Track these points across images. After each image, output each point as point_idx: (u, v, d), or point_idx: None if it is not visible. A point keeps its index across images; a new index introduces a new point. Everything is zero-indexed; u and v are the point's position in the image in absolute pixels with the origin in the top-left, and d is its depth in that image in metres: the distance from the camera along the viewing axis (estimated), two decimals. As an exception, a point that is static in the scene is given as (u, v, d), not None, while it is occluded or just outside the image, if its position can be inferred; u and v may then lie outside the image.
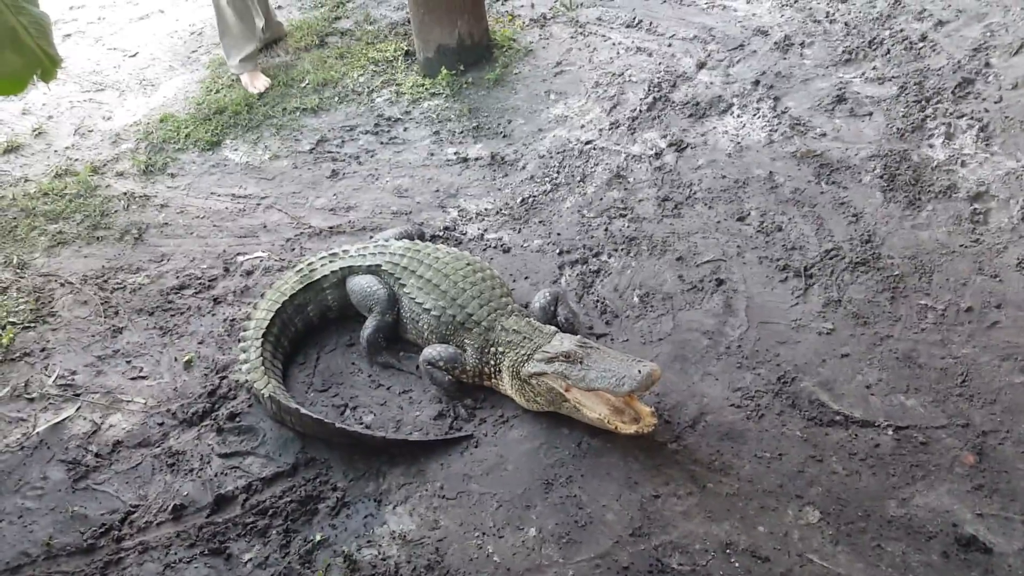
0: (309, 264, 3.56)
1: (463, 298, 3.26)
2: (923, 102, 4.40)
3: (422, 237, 3.84)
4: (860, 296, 3.49)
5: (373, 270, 3.48)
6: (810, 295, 3.53)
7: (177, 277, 3.91)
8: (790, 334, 3.37)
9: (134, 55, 5.60)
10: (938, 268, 3.56)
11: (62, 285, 3.90)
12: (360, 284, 3.47)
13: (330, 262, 3.55)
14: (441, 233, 4.01)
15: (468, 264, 3.39)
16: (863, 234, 3.76)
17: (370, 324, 3.42)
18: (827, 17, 5.15)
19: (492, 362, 3.18)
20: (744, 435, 3.01)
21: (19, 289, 3.89)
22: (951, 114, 4.29)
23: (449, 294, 3.28)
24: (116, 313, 3.76)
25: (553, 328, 3.21)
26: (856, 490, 2.80)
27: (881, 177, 4.02)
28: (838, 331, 3.36)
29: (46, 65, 2.17)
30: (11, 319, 3.74)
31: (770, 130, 4.39)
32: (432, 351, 3.25)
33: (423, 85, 5.03)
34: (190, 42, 5.76)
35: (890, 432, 2.97)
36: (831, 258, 3.67)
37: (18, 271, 4.00)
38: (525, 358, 3.08)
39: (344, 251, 3.59)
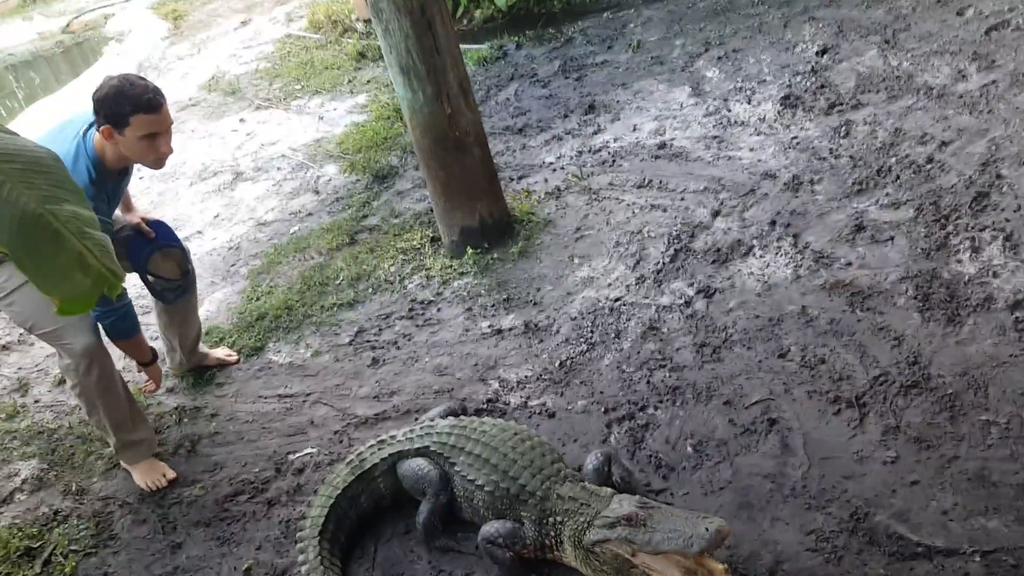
0: (359, 455, 3.58)
1: (514, 470, 3.23)
2: (942, 220, 4.46)
3: (466, 412, 3.86)
4: (918, 419, 3.41)
5: (422, 452, 3.48)
6: (867, 424, 3.46)
7: (231, 484, 3.93)
8: (854, 467, 3.28)
9: (177, 275, 5.89)
10: (992, 381, 3.49)
11: (120, 506, 3.93)
12: (411, 468, 3.46)
13: (379, 449, 3.57)
14: (485, 406, 4.03)
15: (516, 434, 3.38)
16: (908, 356, 3.72)
17: (424, 508, 3.38)
18: (831, 153, 5.33)
19: (552, 533, 3.10)
20: (825, 580, 2.88)
21: (79, 516, 3.93)
22: (973, 228, 4.34)
23: (500, 467, 3.25)
24: (174, 528, 3.76)
25: (610, 490, 3.15)
26: (956, 627, 2.63)
27: (915, 298, 4.02)
28: (903, 458, 3.26)
29: (111, 281, 2.32)
30: (72, 547, 3.75)
31: (795, 266, 4.45)
32: (490, 528, 3.18)
33: (451, 266, 5.21)
34: (228, 256, 6.07)
35: (977, 558, 2.82)
36: (881, 384, 3.62)
37: (77, 498, 4.05)
38: (586, 525, 3.00)
39: (391, 436, 3.61)
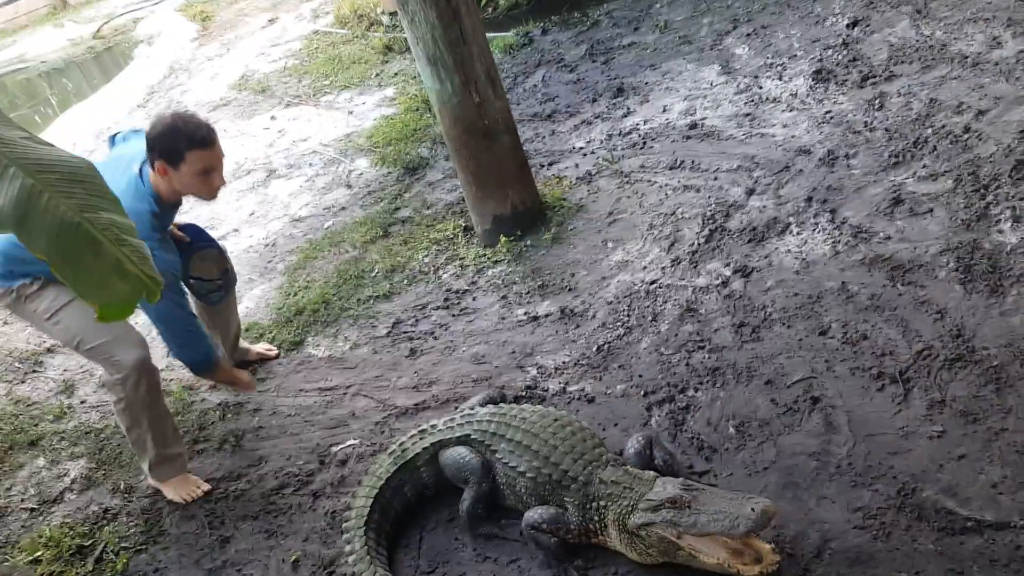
0: (401, 444, 3.61)
1: (556, 455, 3.23)
2: (982, 190, 4.37)
3: (504, 399, 3.87)
4: (964, 393, 3.36)
5: (463, 441, 3.50)
6: (911, 399, 3.41)
7: (276, 477, 3.98)
8: (900, 443, 3.23)
9: (215, 273, 5.97)
10: (1039, 351, 3.42)
11: (169, 503, 4.00)
12: (452, 457, 3.48)
13: (420, 439, 3.59)
14: (524, 393, 4.03)
15: (556, 420, 3.38)
16: (952, 329, 3.66)
17: (468, 496, 3.40)
18: (866, 127, 5.24)
19: (596, 518, 3.10)
20: (875, 557, 2.84)
21: (128, 513, 4.00)
22: (1014, 197, 4.25)
23: (541, 453, 3.25)
24: (222, 523, 3.82)
25: (652, 473, 3.14)
26: (1010, 601, 2.59)
27: (957, 270, 3.95)
28: (949, 432, 3.21)
29: (150, 287, 2.36)
30: (123, 544, 3.82)
31: (833, 242, 4.39)
32: (533, 515, 3.19)
33: (485, 255, 5.22)
34: (265, 254, 6.14)
35: (1031, 532, 2.77)
36: (924, 359, 3.57)
37: (126, 495, 4.13)
38: (629, 509, 3.00)
39: (432, 426, 3.63)
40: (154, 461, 3.96)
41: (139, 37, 12.93)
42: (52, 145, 2.66)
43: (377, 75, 8.71)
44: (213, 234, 4.51)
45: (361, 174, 6.83)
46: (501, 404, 3.67)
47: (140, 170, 3.71)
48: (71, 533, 3.94)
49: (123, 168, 3.75)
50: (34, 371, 5.40)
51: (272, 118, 8.51)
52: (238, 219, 6.72)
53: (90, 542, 3.89)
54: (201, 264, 4.33)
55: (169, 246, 3.79)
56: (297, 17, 11.51)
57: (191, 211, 6.45)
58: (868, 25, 6.38)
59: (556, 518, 3.15)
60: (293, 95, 8.91)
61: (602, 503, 3.08)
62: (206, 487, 4.02)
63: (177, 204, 3.96)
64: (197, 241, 4.34)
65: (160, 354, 5.15)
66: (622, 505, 3.02)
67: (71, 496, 4.24)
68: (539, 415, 3.42)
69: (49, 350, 5.58)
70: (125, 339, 3.76)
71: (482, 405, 3.72)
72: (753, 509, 2.72)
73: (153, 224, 3.61)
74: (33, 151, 2.54)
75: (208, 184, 3.74)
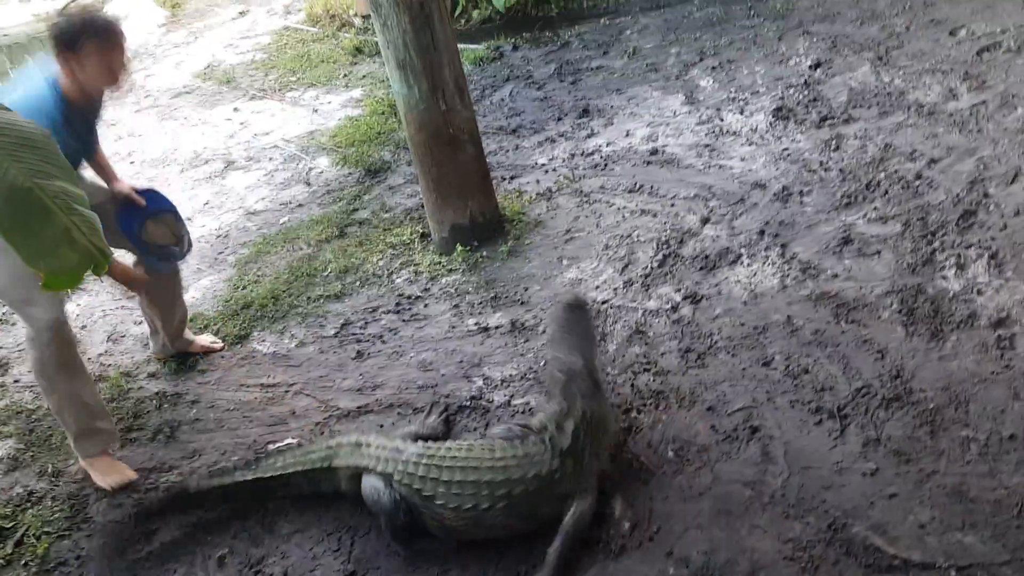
0: (338, 444, 3.50)
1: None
2: (929, 236, 4.49)
3: (447, 420, 3.86)
4: (899, 433, 3.43)
5: (386, 478, 3.31)
6: (848, 436, 3.47)
7: (209, 472, 3.90)
8: (834, 478, 3.29)
9: (163, 261, 5.85)
10: (973, 397, 3.50)
11: (96, 490, 3.90)
12: (369, 488, 3.34)
13: (352, 454, 3.44)
14: (468, 403, 4.02)
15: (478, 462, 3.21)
16: (891, 370, 3.73)
17: (385, 528, 3.31)
18: (821, 166, 5.36)
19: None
20: (801, 588, 2.88)
21: (54, 498, 3.89)
22: (959, 245, 4.37)
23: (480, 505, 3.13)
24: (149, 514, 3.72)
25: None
26: (928, 638, 2.65)
27: (900, 312, 4.04)
28: (882, 471, 3.27)
29: (98, 259, 2.32)
30: (46, 529, 3.71)
31: (782, 276, 4.47)
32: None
33: (440, 263, 5.20)
34: (216, 244, 6.05)
35: (952, 573, 2.82)
36: (863, 396, 3.63)
37: (53, 479, 4.01)
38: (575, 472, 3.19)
39: (367, 444, 3.45)
40: (77, 433, 3.89)
41: (106, 17, 12.70)
42: (7, 109, 2.60)
43: (345, 76, 8.67)
44: (168, 198, 4.41)
45: (321, 172, 6.77)
46: (431, 445, 3.39)
47: (52, 81, 3.74)
48: (-9, 515, 3.82)
49: (28, 80, 3.77)
50: (-35, 348, 5.24)
51: (235, 109, 8.41)
52: (192, 208, 6.61)
53: (11, 524, 3.77)
54: (155, 228, 4.26)
55: (75, 134, 3.77)
56: (268, 11, 11.42)
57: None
58: (830, 68, 6.54)
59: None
60: (258, 88, 8.82)
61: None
62: (132, 475, 3.92)
63: (93, 109, 3.98)
64: (153, 204, 4.28)
65: (99, 339, 5.05)
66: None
67: (-6, 477, 4.11)
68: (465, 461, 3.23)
69: (-17, 327, 5.43)
70: (42, 297, 3.71)
71: (413, 440, 3.49)
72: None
73: (60, 114, 3.65)
74: (-17, 114, 2.49)
75: (110, 72, 3.75)
